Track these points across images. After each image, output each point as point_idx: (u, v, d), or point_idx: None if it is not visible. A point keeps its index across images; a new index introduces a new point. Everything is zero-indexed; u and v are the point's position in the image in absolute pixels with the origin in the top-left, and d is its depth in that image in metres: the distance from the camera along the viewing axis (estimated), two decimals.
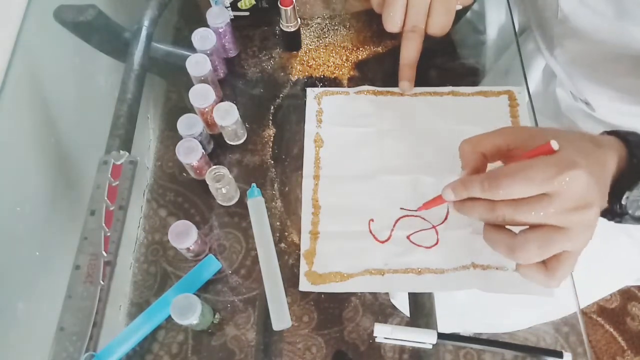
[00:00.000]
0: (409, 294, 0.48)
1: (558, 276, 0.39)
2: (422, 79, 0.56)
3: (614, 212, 0.42)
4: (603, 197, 0.40)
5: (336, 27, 0.63)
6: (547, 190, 0.36)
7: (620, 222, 0.43)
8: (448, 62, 0.60)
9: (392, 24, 0.52)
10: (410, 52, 0.53)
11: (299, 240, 0.49)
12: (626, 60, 0.52)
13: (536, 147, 0.38)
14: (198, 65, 0.52)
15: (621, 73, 0.53)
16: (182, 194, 0.54)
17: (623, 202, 0.41)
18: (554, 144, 0.37)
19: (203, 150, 0.50)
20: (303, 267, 0.48)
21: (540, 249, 0.38)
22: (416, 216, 0.50)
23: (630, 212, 0.41)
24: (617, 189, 0.41)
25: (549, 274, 0.39)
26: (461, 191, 0.40)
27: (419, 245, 0.48)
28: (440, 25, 0.52)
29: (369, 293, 0.49)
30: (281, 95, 0.59)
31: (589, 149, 0.39)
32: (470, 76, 0.59)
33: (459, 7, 0.54)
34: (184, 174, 0.54)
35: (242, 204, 0.52)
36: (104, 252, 0.47)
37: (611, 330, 1.11)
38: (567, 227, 0.37)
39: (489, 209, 0.39)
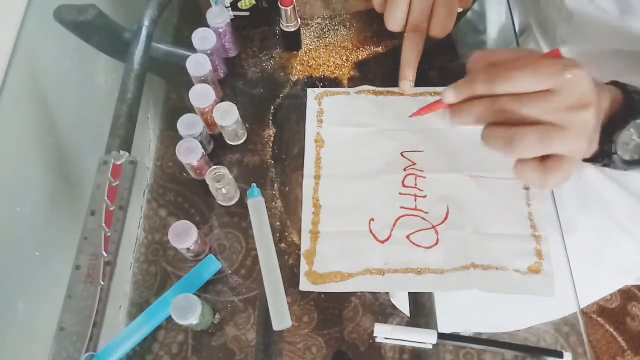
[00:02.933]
0: (409, 293, 0.48)
1: (554, 177, 0.40)
2: (422, 79, 0.56)
3: (603, 152, 0.43)
4: (599, 112, 0.40)
5: (336, 27, 0.63)
6: (552, 84, 0.37)
7: (608, 165, 0.44)
8: (448, 62, 0.59)
9: (394, 23, 0.52)
10: (411, 52, 0.52)
11: (299, 240, 0.49)
12: (628, 57, 0.52)
13: (546, 53, 0.39)
14: (198, 65, 0.52)
15: (623, 70, 0.53)
16: (182, 194, 0.54)
17: (614, 139, 0.41)
18: (561, 52, 0.39)
19: (203, 150, 0.50)
20: (303, 266, 0.48)
21: (539, 142, 0.39)
22: (416, 216, 0.50)
23: (619, 152, 0.42)
24: (609, 128, 0.42)
25: (545, 173, 0.40)
26: (465, 87, 0.41)
27: (418, 246, 0.48)
28: (442, 26, 0.52)
29: (369, 293, 0.49)
30: (281, 95, 0.59)
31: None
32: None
33: (460, 9, 0.54)
34: (184, 174, 0.54)
35: (242, 204, 0.52)
36: (104, 252, 0.47)
37: (611, 330, 1.11)
38: (565, 126, 0.38)
39: (489, 103, 0.39)
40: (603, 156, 0.43)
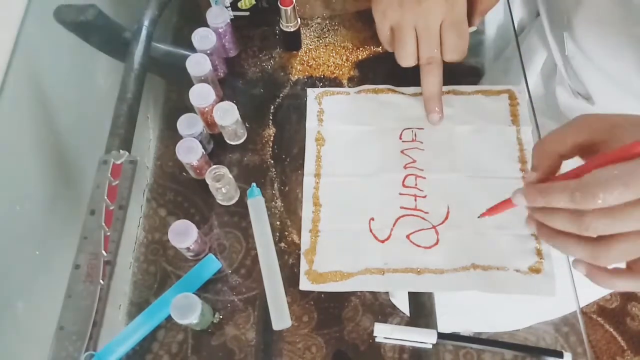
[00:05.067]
0: (409, 293, 0.48)
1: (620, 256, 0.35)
2: None
3: None
4: None
5: (336, 27, 0.63)
6: None
7: None
8: (448, 62, 0.59)
9: (406, 60, 0.51)
10: (432, 86, 0.51)
11: (299, 239, 0.49)
12: (635, 50, 0.51)
13: (622, 148, 0.33)
14: (198, 65, 0.52)
15: (630, 61, 0.52)
16: (182, 193, 0.54)
17: None
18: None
19: (203, 150, 0.50)
20: (303, 266, 0.48)
21: (626, 256, 0.34)
22: (416, 216, 0.50)
23: None
24: None
25: (634, 276, 0.36)
26: (537, 198, 0.35)
27: (418, 246, 0.48)
28: (456, 51, 0.50)
29: (369, 293, 0.49)
30: (281, 95, 0.59)
31: None
32: (470, 75, 0.59)
33: (474, 28, 0.53)
34: (184, 173, 0.54)
35: (242, 203, 0.52)
36: (103, 252, 0.47)
37: (611, 330, 1.11)
38: None
39: (574, 218, 0.33)
40: None
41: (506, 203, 0.39)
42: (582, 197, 0.32)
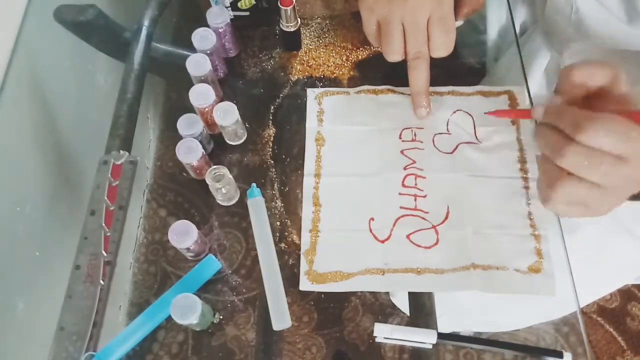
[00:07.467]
0: (409, 293, 0.48)
1: (558, 211, 0.41)
2: None
3: None
4: None
5: (336, 27, 0.63)
6: (628, 154, 0.36)
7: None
8: (448, 62, 0.59)
9: (392, 55, 0.51)
10: (419, 81, 0.51)
11: (299, 240, 0.49)
12: (635, 62, 0.51)
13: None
14: (198, 65, 0.52)
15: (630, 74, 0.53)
16: (182, 194, 0.54)
17: None
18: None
19: (203, 150, 0.50)
20: (303, 266, 0.48)
21: (576, 198, 0.38)
22: (416, 215, 0.50)
23: None
24: None
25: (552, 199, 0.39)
26: (552, 115, 0.39)
27: (418, 245, 0.48)
28: (442, 46, 0.50)
29: (369, 293, 0.49)
30: (281, 95, 0.59)
31: None
32: (470, 76, 0.60)
33: (460, 23, 0.53)
34: (184, 174, 0.54)
35: (242, 204, 0.52)
36: (104, 252, 0.47)
37: (611, 330, 1.11)
38: (611, 191, 0.37)
39: (560, 143, 0.37)
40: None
41: (523, 112, 0.42)
42: (584, 126, 0.35)
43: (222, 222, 0.51)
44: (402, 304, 0.51)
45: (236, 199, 0.52)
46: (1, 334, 0.47)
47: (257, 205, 0.51)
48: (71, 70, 0.64)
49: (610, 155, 0.36)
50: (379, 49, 0.60)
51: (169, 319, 0.44)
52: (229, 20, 0.56)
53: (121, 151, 0.52)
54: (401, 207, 0.50)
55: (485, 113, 0.45)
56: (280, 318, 0.46)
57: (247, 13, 0.61)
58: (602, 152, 0.36)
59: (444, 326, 0.46)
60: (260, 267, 0.48)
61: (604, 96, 0.39)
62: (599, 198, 0.38)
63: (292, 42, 0.61)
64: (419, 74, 0.51)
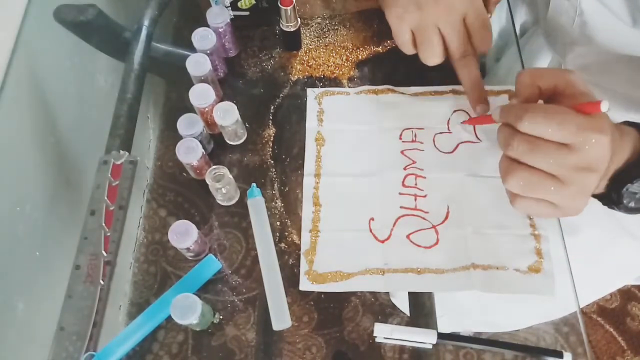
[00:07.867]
0: (409, 293, 0.48)
1: (524, 207, 0.42)
2: (423, 78, 0.56)
3: (610, 198, 0.43)
4: (606, 173, 0.41)
5: (336, 27, 0.63)
6: (571, 141, 0.37)
7: (612, 208, 0.44)
8: (449, 62, 0.60)
9: (433, 58, 0.51)
10: (474, 76, 0.51)
11: (299, 240, 0.49)
12: (638, 66, 0.52)
13: (586, 103, 0.39)
14: (198, 65, 0.52)
15: (633, 78, 0.53)
16: (182, 194, 0.54)
17: (622, 191, 0.41)
18: (604, 106, 0.37)
19: (203, 150, 0.50)
20: (303, 266, 0.48)
21: (530, 187, 0.39)
22: (416, 215, 0.50)
23: (625, 202, 0.42)
24: (620, 177, 0.42)
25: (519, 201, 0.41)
26: (506, 113, 0.41)
27: (418, 245, 0.48)
28: (484, 41, 0.51)
29: (369, 293, 0.49)
30: (281, 95, 0.59)
31: (616, 131, 0.41)
32: None
33: (493, 15, 0.53)
34: (184, 174, 0.54)
35: (242, 203, 0.52)
36: (104, 252, 0.47)
37: (611, 330, 1.11)
38: (565, 183, 0.38)
39: (508, 135, 0.40)
40: (608, 201, 0.43)
41: (486, 118, 0.47)
42: (524, 113, 0.38)
43: (222, 222, 0.51)
44: (402, 304, 0.50)
45: (236, 199, 0.52)
46: (1, 334, 0.47)
47: (257, 205, 0.51)
48: (71, 70, 0.64)
49: (552, 142, 0.37)
50: (381, 50, 0.60)
51: (169, 319, 0.44)
52: (229, 20, 0.56)
53: (121, 151, 0.52)
54: (401, 207, 0.50)
55: (460, 123, 0.50)
56: (280, 318, 0.46)
57: (247, 13, 0.61)
58: (544, 140, 0.38)
59: (444, 326, 0.46)
60: (260, 267, 0.48)
61: (560, 97, 0.41)
62: (559, 192, 0.39)
63: (292, 42, 0.61)
64: (471, 70, 0.51)
